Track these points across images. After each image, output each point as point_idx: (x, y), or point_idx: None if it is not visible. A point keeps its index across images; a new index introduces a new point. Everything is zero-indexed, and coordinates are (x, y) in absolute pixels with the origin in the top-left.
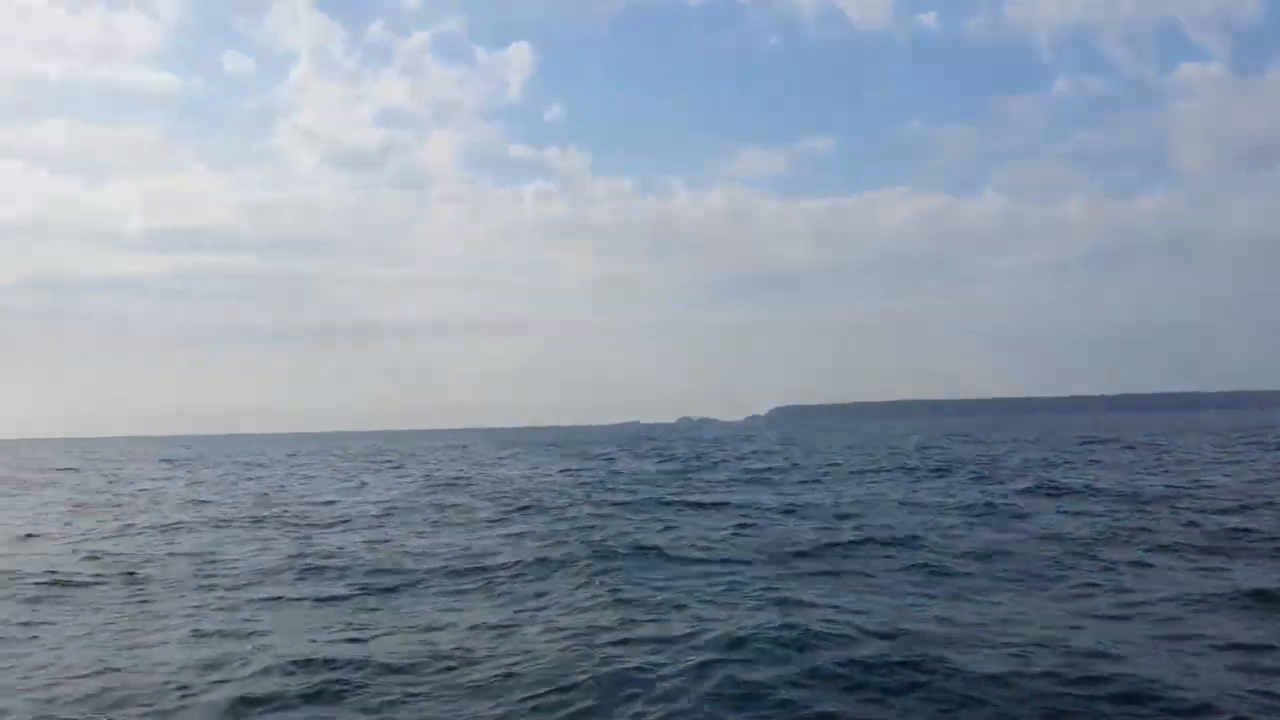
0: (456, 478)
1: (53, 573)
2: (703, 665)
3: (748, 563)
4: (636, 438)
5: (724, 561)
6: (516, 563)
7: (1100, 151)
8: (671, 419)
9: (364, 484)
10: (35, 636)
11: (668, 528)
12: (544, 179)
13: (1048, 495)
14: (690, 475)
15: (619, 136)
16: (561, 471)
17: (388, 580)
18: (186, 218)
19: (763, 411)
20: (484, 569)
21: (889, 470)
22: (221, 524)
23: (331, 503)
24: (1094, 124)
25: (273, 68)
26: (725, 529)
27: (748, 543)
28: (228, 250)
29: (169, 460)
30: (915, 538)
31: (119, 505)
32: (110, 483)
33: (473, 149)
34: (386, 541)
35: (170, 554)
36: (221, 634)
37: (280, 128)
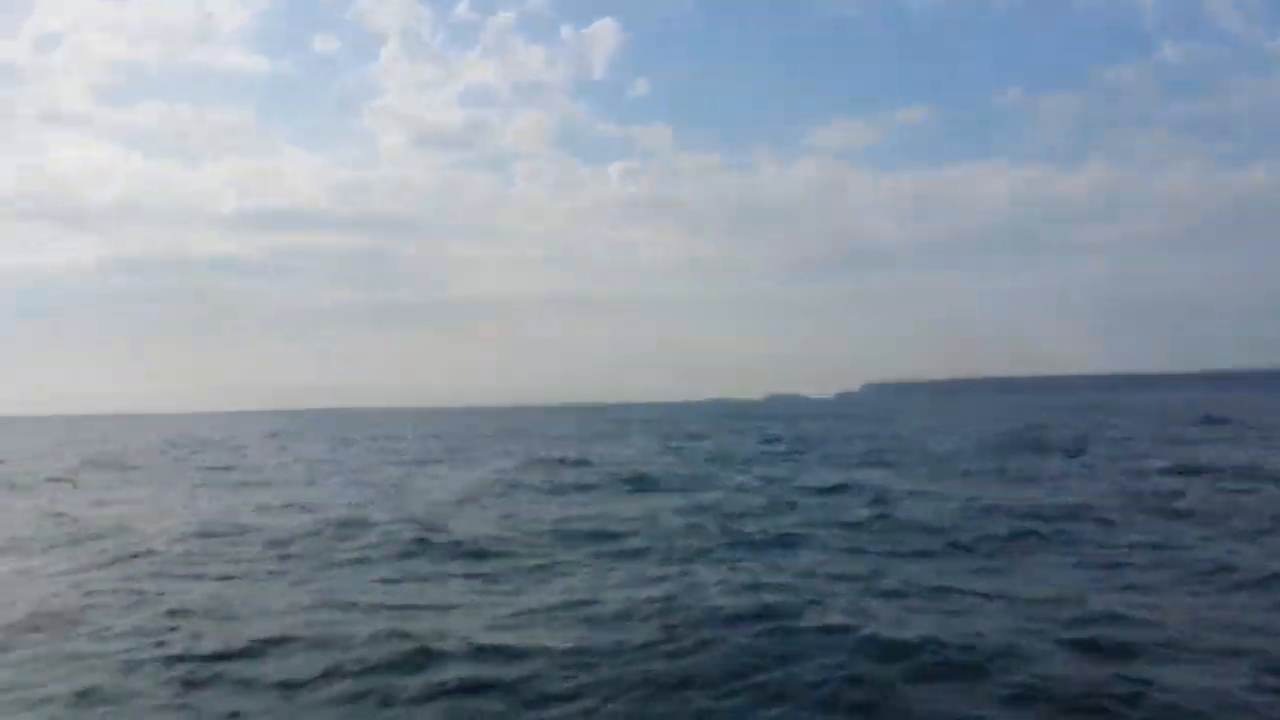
0: (578, 459)
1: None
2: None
3: (901, 554)
4: (728, 415)
5: (875, 554)
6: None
7: (1209, 120)
8: (760, 396)
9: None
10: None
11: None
12: (629, 156)
13: (1193, 475)
14: (799, 455)
15: (704, 111)
16: (666, 450)
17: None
18: (279, 198)
19: (855, 388)
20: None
21: (1013, 449)
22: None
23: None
24: (1202, 91)
25: (361, 49)
26: (861, 512)
27: (889, 530)
28: (319, 229)
29: (345, 440)
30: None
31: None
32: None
33: (558, 127)
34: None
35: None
36: None
37: (369, 108)
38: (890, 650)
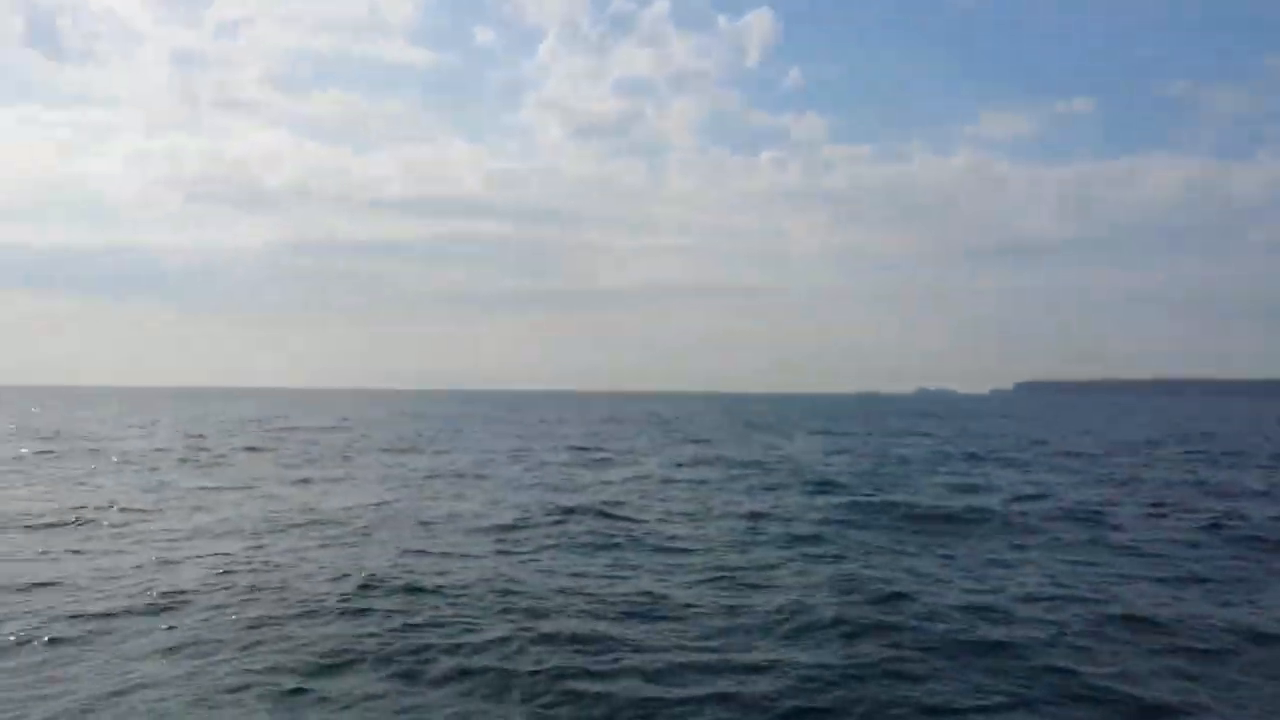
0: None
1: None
2: None
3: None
4: (879, 409)
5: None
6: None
7: None
8: (908, 389)
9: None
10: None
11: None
12: (780, 146)
13: None
14: (983, 459)
15: (857, 102)
16: (839, 453)
17: None
18: (440, 186)
19: (1008, 385)
20: None
21: (1235, 453)
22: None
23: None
24: None
25: (521, 42)
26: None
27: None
28: (476, 217)
29: (507, 422)
30: None
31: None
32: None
33: (710, 117)
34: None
35: None
36: None
37: (526, 99)
38: None
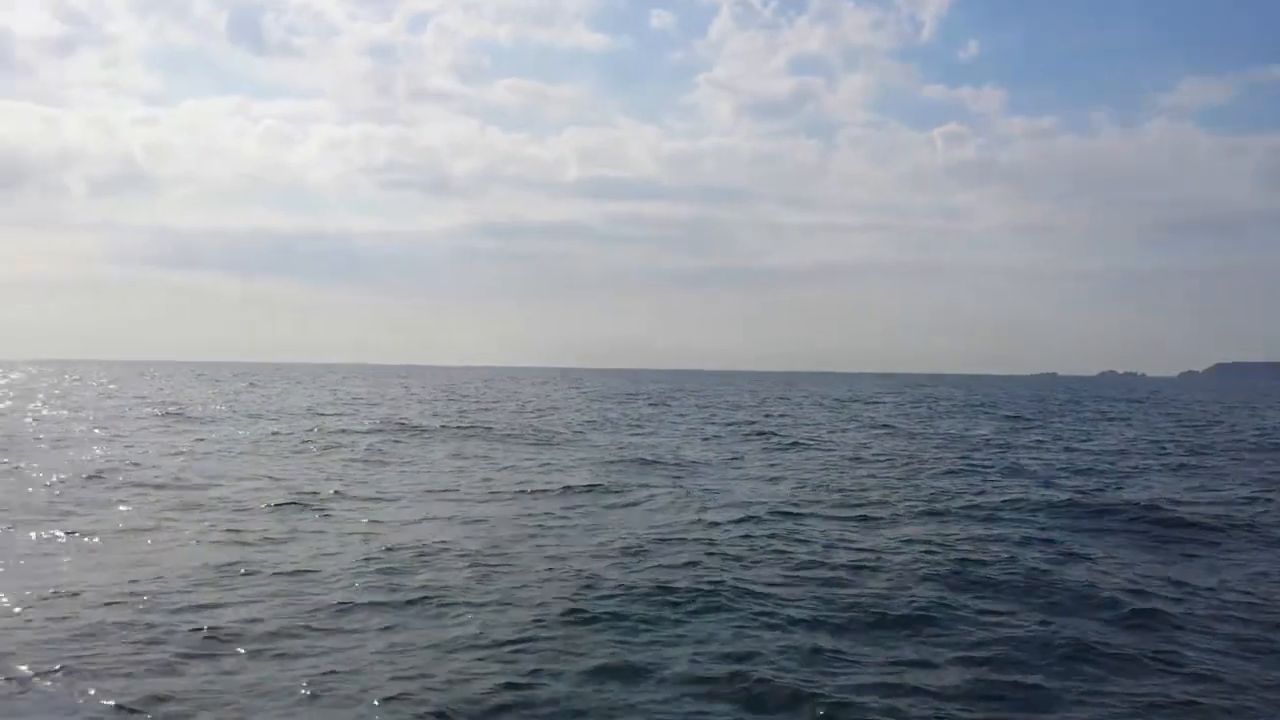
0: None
1: None
2: None
3: None
4: (1066, 393)
5: None
6: None
7: None
8: (1093, 372)
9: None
10: None
11: None
12: (957, 120)
13: None
14: (1208, 451)
15: (1038, 72)
16: (1039, 443)
17: None
18: (615, 168)
19: (1201, 368)
20: None
21: None
22: None
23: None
24: None
25: (694, 22)
26: None
27: None
28: (650, 198)
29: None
30: None
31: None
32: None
33: (883, 92)
34: None
35: None
36: None
37: (699, 80)
38: None
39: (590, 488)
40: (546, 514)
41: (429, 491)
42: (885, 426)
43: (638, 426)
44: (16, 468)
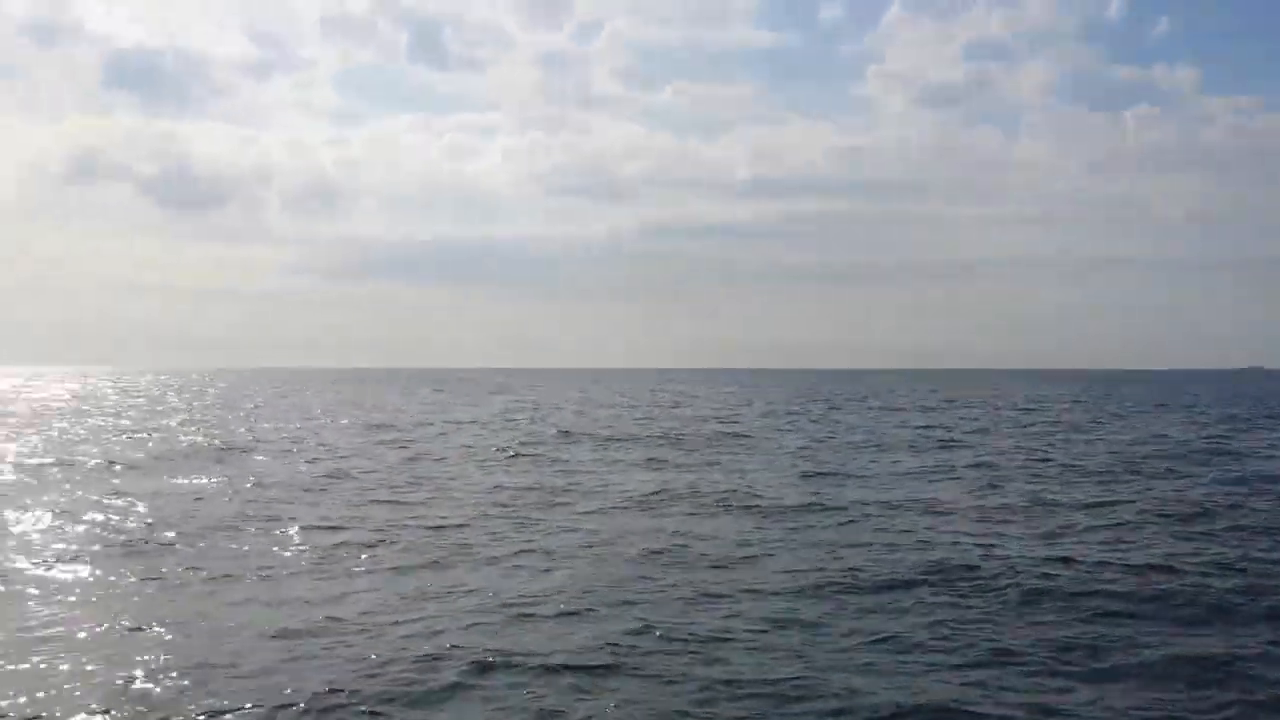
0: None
1: None
2: None
3: None
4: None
5: None
6: None
7: None
8: None
9: None
10: None
11: None
12: (1147, 102)
13: None
14: None
15: (1240, 49)
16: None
17: None
18: (784, 166)
19: None
20: None
21: None
22: None
23: None
24: None
25: (865, 13)
26: None
27: None
28: (821, 195)
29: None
30: None
31: None
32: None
33: (1067, 76)
34: None
35: None
36: None
37: (870, 72)
38: None
39: None
40: None
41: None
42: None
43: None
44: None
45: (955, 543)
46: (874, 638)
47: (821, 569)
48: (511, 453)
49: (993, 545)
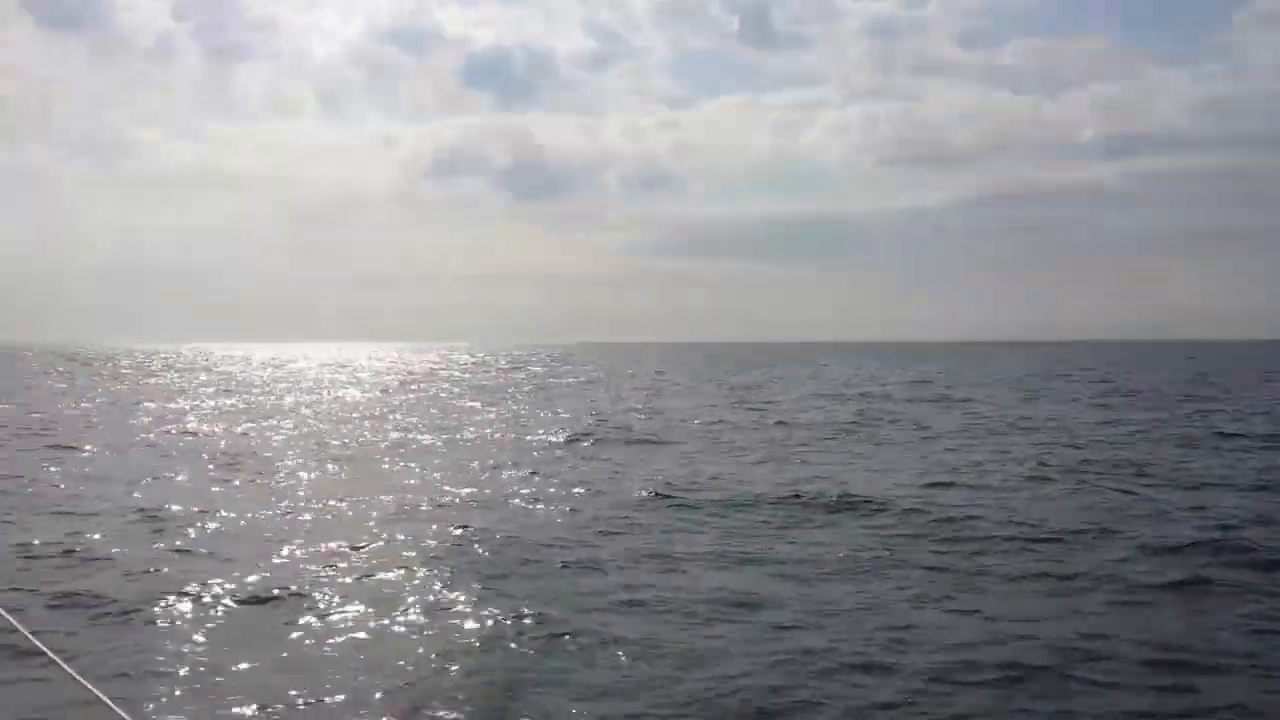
0: None
1: None
2: None
3: None
4: None
5: None
6: None
7: None
8: None
9: None
10: None
11: None
12: None
13: None
14: None
15: None
16: None
17: None
18: (1137, 122)
19: None
20: None
21: None
22: None
23: None
24: None
25: None
26: None
27: None
28: (1178, 152)
29: None
30: None
31: None
32: None
33: None
34: None
35: None
36: None
37: (1238, 18)
38: None
39: None
40: None
41: None
42: None
43: None
44: None
45: None
46: None
47: None
48: None
49: None
